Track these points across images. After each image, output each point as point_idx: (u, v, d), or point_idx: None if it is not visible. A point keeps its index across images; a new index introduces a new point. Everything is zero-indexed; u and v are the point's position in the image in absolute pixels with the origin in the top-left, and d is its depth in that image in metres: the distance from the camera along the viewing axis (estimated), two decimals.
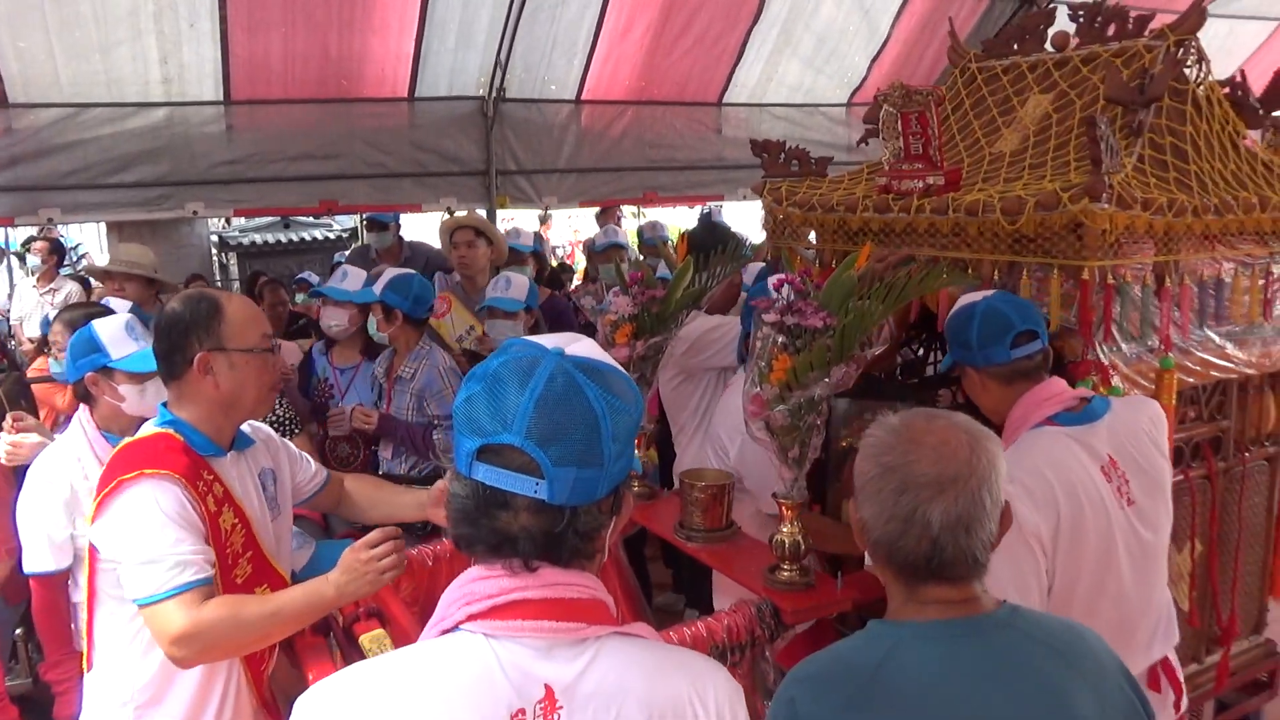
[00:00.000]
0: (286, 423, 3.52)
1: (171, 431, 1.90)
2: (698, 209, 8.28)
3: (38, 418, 3.53)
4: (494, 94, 6.14)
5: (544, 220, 11.14)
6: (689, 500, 2.47)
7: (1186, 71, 2.67)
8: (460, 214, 5.59)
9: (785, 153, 3.33)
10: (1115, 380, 2.37)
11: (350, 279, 3.84)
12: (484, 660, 1.05)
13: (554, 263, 8.34)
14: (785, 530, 2.16)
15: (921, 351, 3.25)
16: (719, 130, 7.03)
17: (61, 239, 8.71)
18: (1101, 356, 2.36)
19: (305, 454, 2.34)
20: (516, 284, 4.05)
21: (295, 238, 10.27)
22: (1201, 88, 2.69)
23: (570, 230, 13.67)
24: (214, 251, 9.45)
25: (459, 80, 6.09)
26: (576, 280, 7.65)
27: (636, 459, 2.79)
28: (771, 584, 2.16)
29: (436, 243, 5.39)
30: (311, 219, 10.18)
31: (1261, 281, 2.74)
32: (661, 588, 4.68)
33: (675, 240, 5.86)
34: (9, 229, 9.75)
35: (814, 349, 2.03)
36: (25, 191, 5.28)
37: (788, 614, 2.08)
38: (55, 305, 6.09)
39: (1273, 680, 3.08)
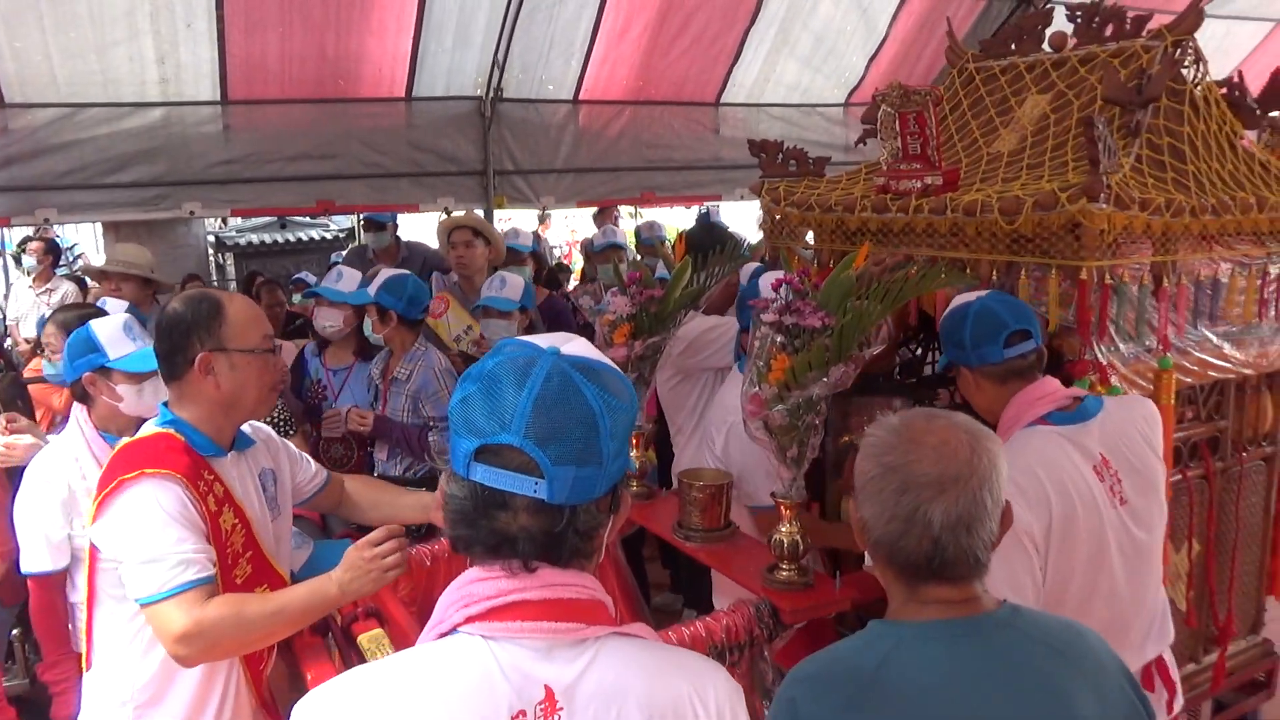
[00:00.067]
0: (282, 423, 3.51)
1: (172, 431, 1.90)
2: (695, 209, 8.29)
3: (34, 418, 3.54)
4: (491, 94, 6.14)
5: (543, 220, 11.13)
6: (687, 500, 2.47)
7: (1184, 72, 2.67)
8: (458, 214, 5.58)
9: (783, 153, 3.33)
10: (1114, 380, 2.37)
11: (345, 280, 3.83)
12: (483, 663, 1.05)
13: (551, 262, 8.33)
14: (784, 530, 2.16)
15: (920, 351, 3.26)
16: (716, 130, 7.03)
17: (57, 239, 8.70)
18: (1100, 356, 2.37)
19: (305, 454, 2.34)
20: (511, 284, 4.05)
21: (292, 238, 10.26)
22: (1199, 88, 2.69)
23: (567, 230, 13.67)
24: (210, 252, 9.45)
25: (456, 80, 6.09)
26: (574, 280, 7.65)
27: (631, 458, 2.79)
28: (770, 584, 2.15)
29: (434, 243, 5.38)
30: (308, 219, 10.18)
31: (1258, 282, 2.74)
32: (659, 588, 4.68)
33: (673, 240, 5.87)
34: (6, 229, 9.75)
35: (812, 349, 2.03)
36: (21, 191, 5.26)
37: (786, 614, 2.08)
38: (52, 305, 6.07)
39: (1270, 680, 3.08)
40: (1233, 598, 2.94)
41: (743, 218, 9.95)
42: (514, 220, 9.03)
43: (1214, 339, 2.67)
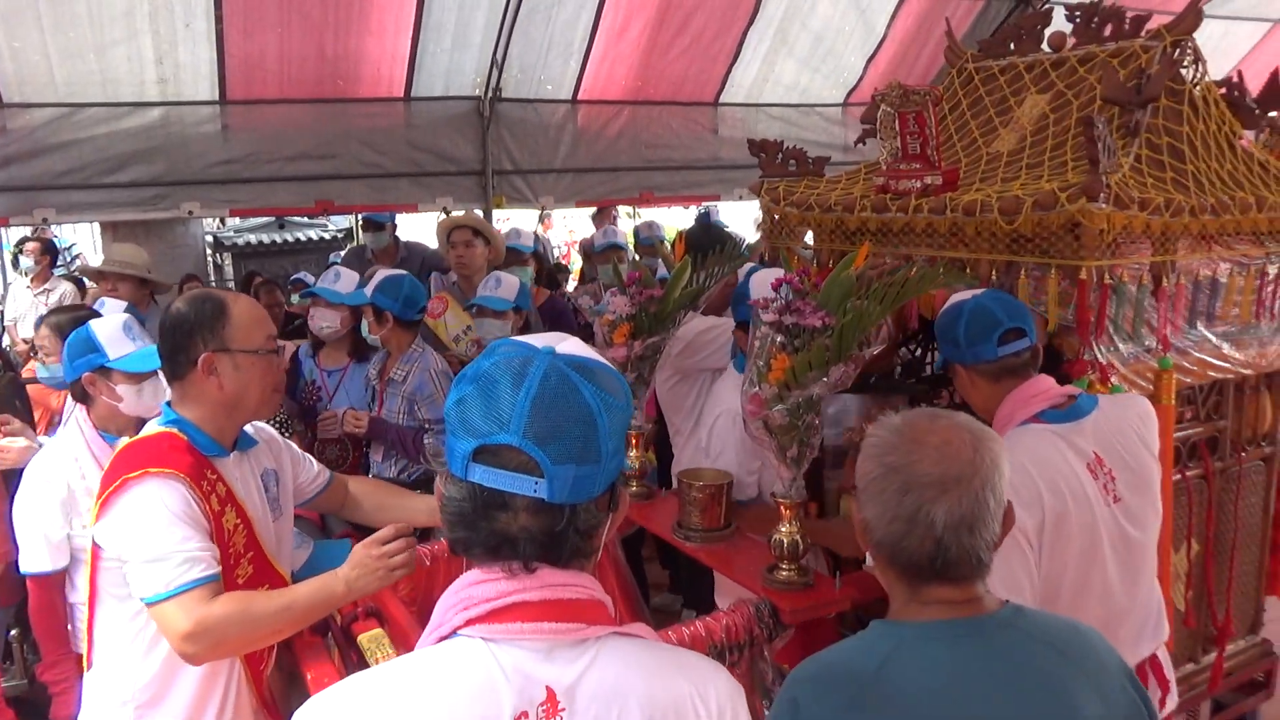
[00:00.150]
0: (281, 424, 3.50)
1: (175, 431, 1.90)
2: (693, 209, 8.29)
3: (33, 418, 3.53)
4: (490, 94, 6.14)
5: (544, 219, 11.12)
6: (687, 500, 2.47)
7: (1183, 72, 2.67)
8: (457, 214, 5.58)
9: (783, 152, 3.33)
10: (1114, 379, 2.37)
11: (343, 281, 3.82)
12: (485, 665, 1.04)
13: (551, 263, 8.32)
14: (784, 530, 2.16)
15: (920, 352, 3.26)
16: (715, 130, 7.03)
17: (55, 239, 8.69)
18: (1100, 356, 2.37)
19: (308, 455, 2.34)
20: (507, 284, 4.04)
21: (290, 238, 10.25)
22: (1198, 88, 2.69)
23: (565, 230, 13.66)
24: (208, 252, 9.44)
25: (455, 80, 6.09)
26: (573, 281, 7.64)
27: (630, 458, 2.79)
28: (770, 584, 2.16)
29: (433, 243, 5.38)
30: (306, 219, 10.17)
31: (1257, 282, 2.74)
32: (658, 588, 4.68)
33: (672, 240, 5.87)
34: (4, 229, 9.73)
35: (812, 349, 2.03)
36: (20, 192, 5.26)
37: (786, 613, 2.08)
38: (50, 305, 6.07)
39: (1269, 680, 3.09)
40: (1231, 598, 2.94)
41: (741, 218, 9.95)
42: (513, 220, 9.03)
43: (1213, 339, 2.67)
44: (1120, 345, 2.43)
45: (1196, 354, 2.62)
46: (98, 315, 2.89)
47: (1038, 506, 1.91)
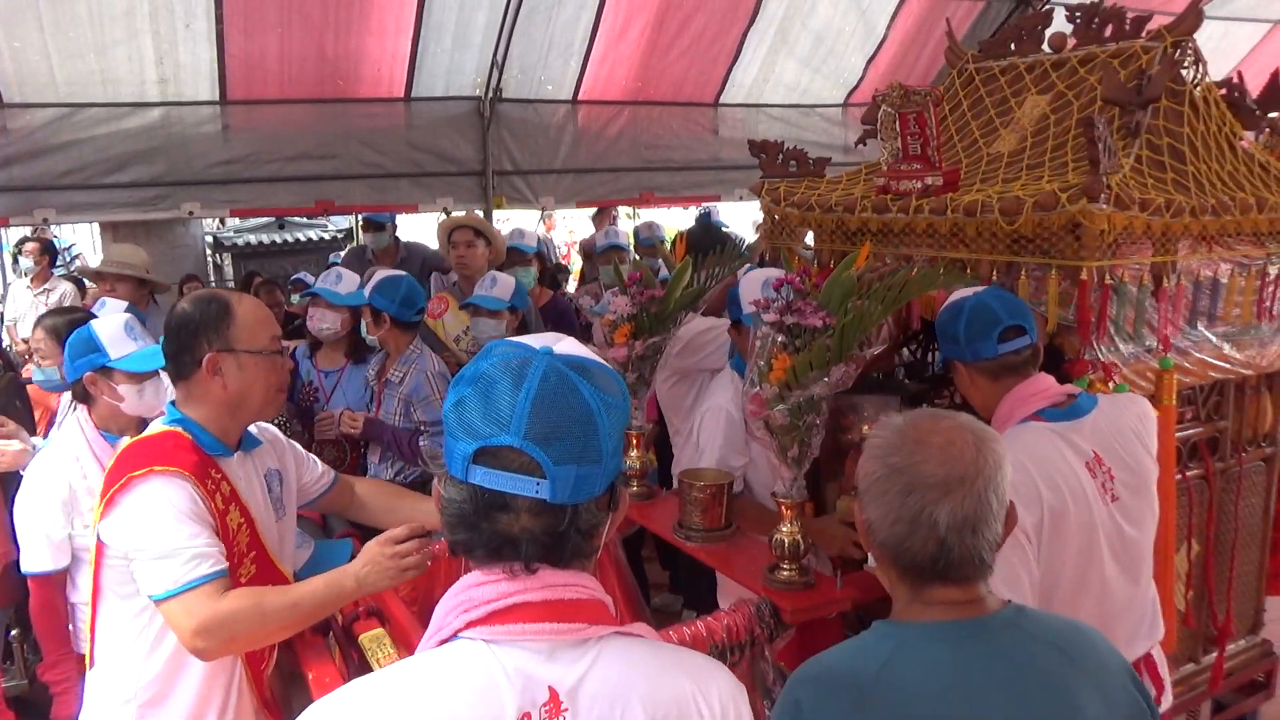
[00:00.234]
0: (281, 425, 3.50)
1: (180, 430, 1.90)
2: (693, 209, 8.29)
3: (33, 419, 3.53)
4: (490, 94, 6.14)
5: (546, 219, 11.11)
6: (688, 500, 2.47)
7: (1183, 73, 2.67)
8: (458, 214, 5.58)
9: (783, 153, 3.33)
10: (1117, 379, 2.38)
11: (344, 282, 3.82)
12: (486, 668, 1.04)
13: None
14: (784, 530, 2.16)
15: (920, 352, 3.26)
16: (715, 131, 7.03)
17: (54, 240, 8.69)
18: (1101, 356, 2.37)
19: (312, 455, 2.34)
20: (502, 283, 4.03)
21: (290, 238, 10.26)
22: (1198, 89, 2.70)
23: (565, 231, 13.66)
24: (209, 252, 9.44)
25: (455, 80, 6.09)
26: (573, 281, 7.64)
27: (631, 458, 2.79)
28: (771, 583, 2.15)
29: (433, 243, 5.38)
30: (306, 220, 10.18)
31: (1258, 282, 2.75)
32: (659, 588, 4.68)
33: (672, 240, 5.87)
34: (4, 230, 9.73)
35: (813, 348, 2.03)
36: (20, 192, 5.26)
37: (787, 613, 2.08)
38: (50, 306, 6.07)
39: (1269, 680, 3.09)
40: (1231, 598, 2.94)
41: (741, 218, 9.95)
42: (513, 221, 9.04)
43: (1213, 339, 2.67)
44: (1121, 345, 2.43)
45: (1197, 354, 2.62)
46: (94, 317, 2.89)
47: (1036, 504, 1.91)
